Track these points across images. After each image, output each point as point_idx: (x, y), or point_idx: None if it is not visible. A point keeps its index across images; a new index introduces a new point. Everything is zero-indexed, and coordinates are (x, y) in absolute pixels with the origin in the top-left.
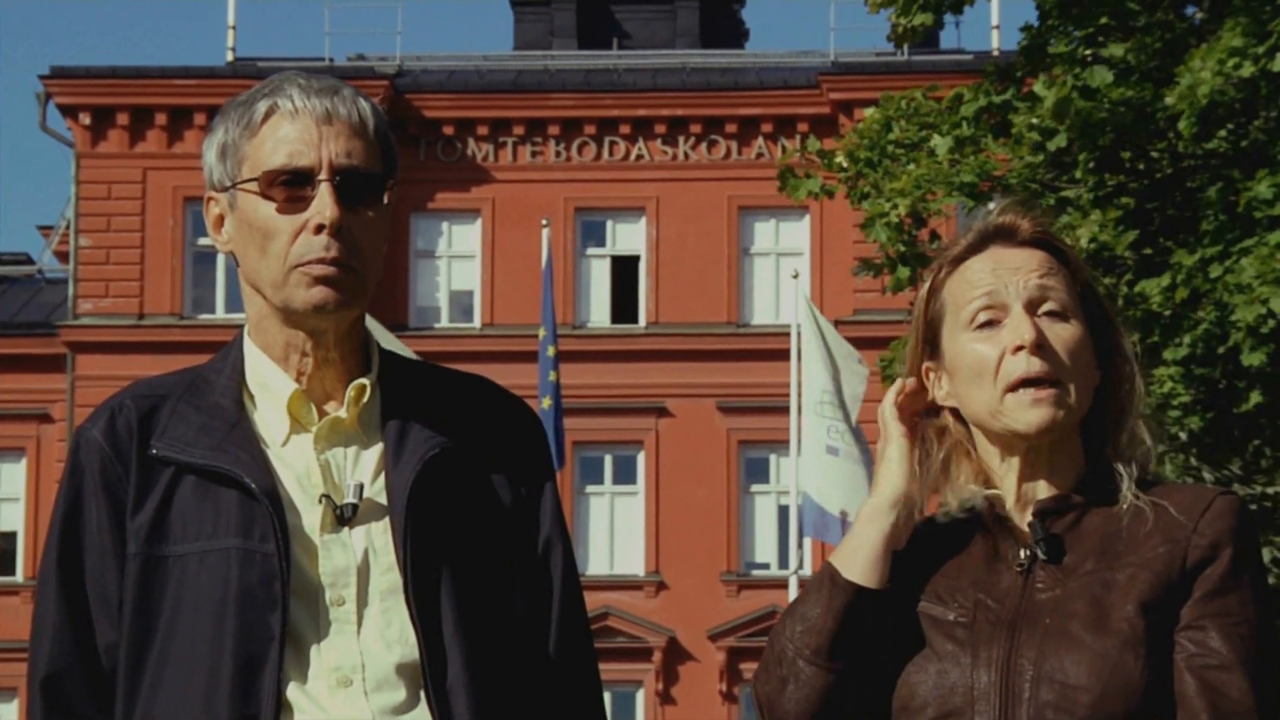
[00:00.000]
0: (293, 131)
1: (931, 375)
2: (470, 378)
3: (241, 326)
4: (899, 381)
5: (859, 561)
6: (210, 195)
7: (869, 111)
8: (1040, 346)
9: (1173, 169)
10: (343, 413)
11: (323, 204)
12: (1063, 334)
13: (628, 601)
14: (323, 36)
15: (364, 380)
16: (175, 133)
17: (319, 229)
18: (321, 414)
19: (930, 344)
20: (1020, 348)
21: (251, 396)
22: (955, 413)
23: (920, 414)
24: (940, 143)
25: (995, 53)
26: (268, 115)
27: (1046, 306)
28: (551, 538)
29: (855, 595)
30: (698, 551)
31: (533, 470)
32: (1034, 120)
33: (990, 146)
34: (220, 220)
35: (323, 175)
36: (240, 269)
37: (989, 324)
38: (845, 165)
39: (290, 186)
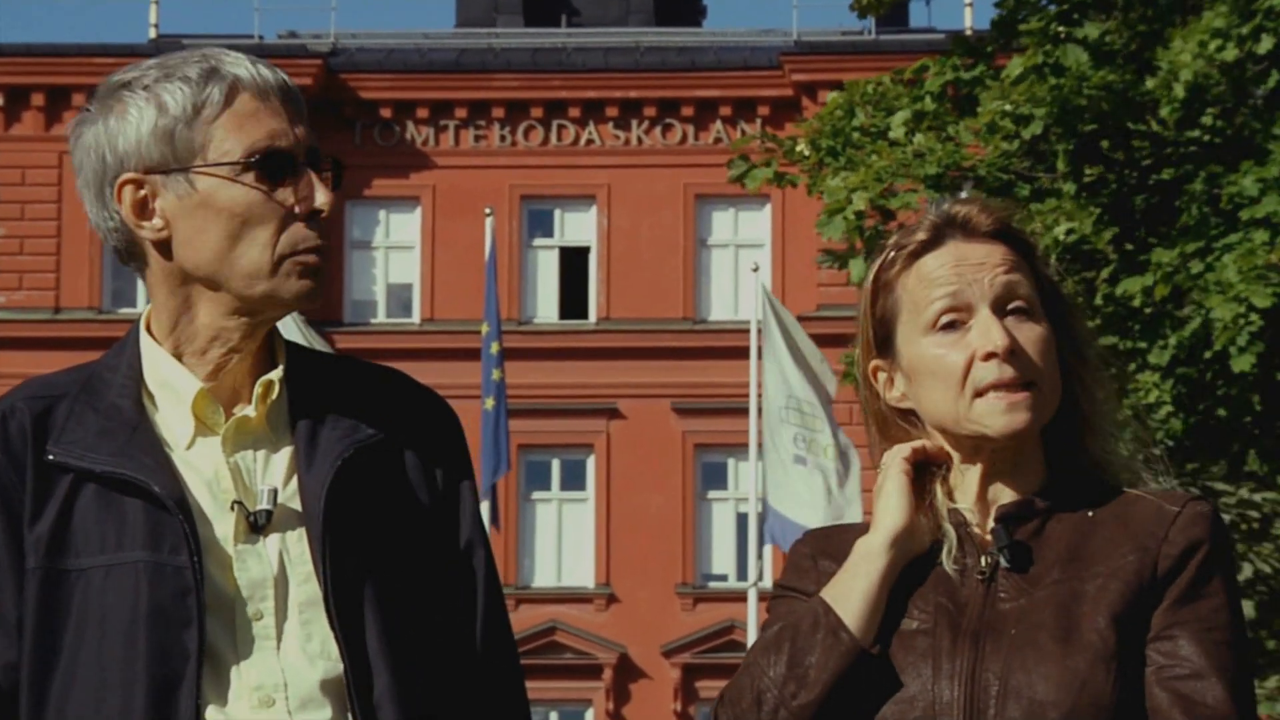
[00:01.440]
0: (266, 110)
1: (881, 375)
2: (381, 370)
3: (135, 321)
4: (919, 442)
5: (857, 610)
6: (132, 178)
7: (832, 95)
8: (1012, 353)
9: (1154, 159)
10: (251, 411)
11: (312, 189)
12: (1031, 334)
13: (576, 615)
14: (251, 12)
15: (271, 376)
16: None
17: (311, 215)
18: (227, 414)
19: (881, 342)
20: (991, 355)
21: (151, 396)
22: (907, 413)
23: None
24: (897, 117)
25: (969, 32)
26: (232, 92)
27: (1013, 305)
28: (472, 540)
29: (858, 657)
30: (651, 562)
31: (450, 468)
32: (1007, 107)
33: (959, 133)
34: (142, 204)
35: (304, 158)
36: (175, 258)
37: (952, 325)
38: (806, 154)
39: (275, 170)
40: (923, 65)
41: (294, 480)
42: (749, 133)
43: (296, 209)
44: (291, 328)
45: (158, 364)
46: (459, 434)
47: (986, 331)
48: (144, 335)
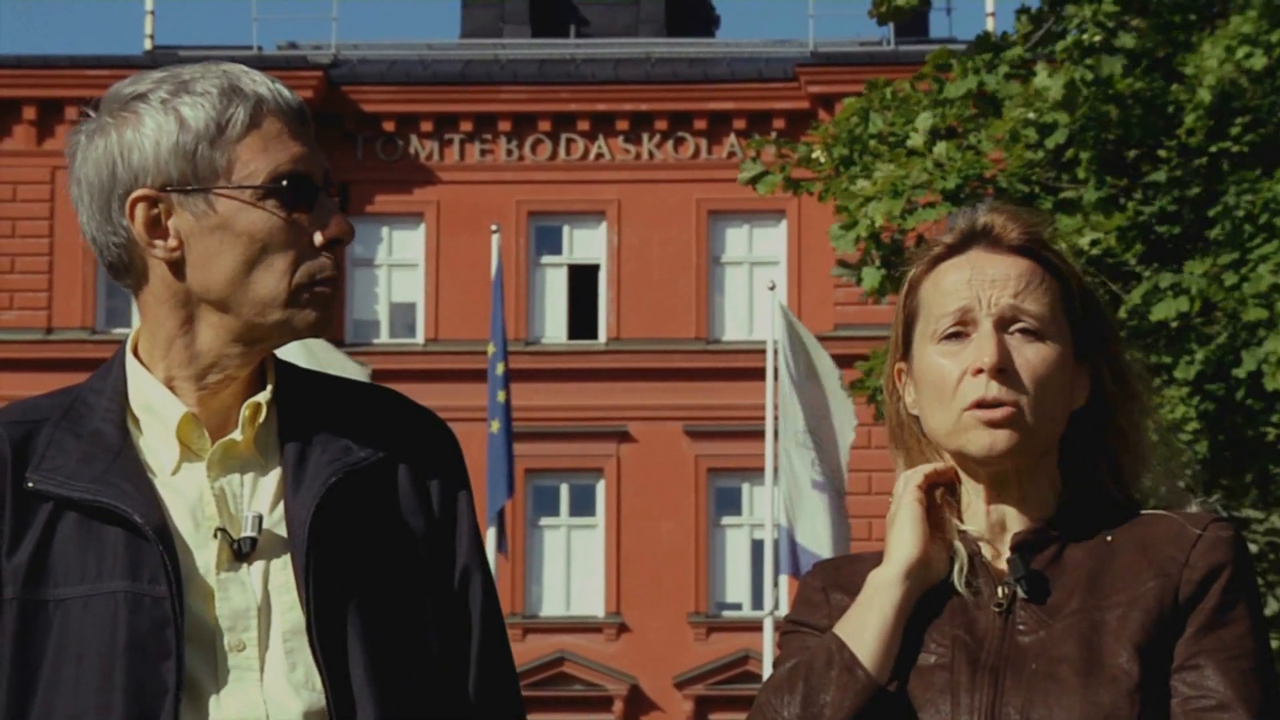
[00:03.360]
0: (289, 133)
1: (903, 377)
2: (376, 390)
3: (122, 342)
4: (929, 467)
5: (872, 646)
6: (148, 194)
7: (848, 101)
8: (1002, 371)
9: (1182, 170)
10: (238, 435)
11: (331, 215)
12: (1032, 357)
13: (585, 645)
14: (250, 23)
15: (259, 398)
16: None
17: (330, 244)
18: (214, 438)
19: (905, 342)
20: (980, 371)
21: (136, 420)
22: (919, 421)
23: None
24: (920, 120)
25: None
26: (258, 112)
27: (1019, 325)
28: (469, 566)
29: (874, 694)
30: (663, 590)
31: (447, 491)
32: (1031, 115)
33: (980, 142)
34: (155, 222)
35: (322, 184)
36: (184, 279)
37: (957, 335)
38: (821, 160)
39: (299, 196)
40: (945, 63)
41: (281, 505)
42: (759, 139)
43: (316, 237)
44: (307, 351)
45: (142, 387)
46: (457, 456)
47: (981, 346)
48: (129, 358)
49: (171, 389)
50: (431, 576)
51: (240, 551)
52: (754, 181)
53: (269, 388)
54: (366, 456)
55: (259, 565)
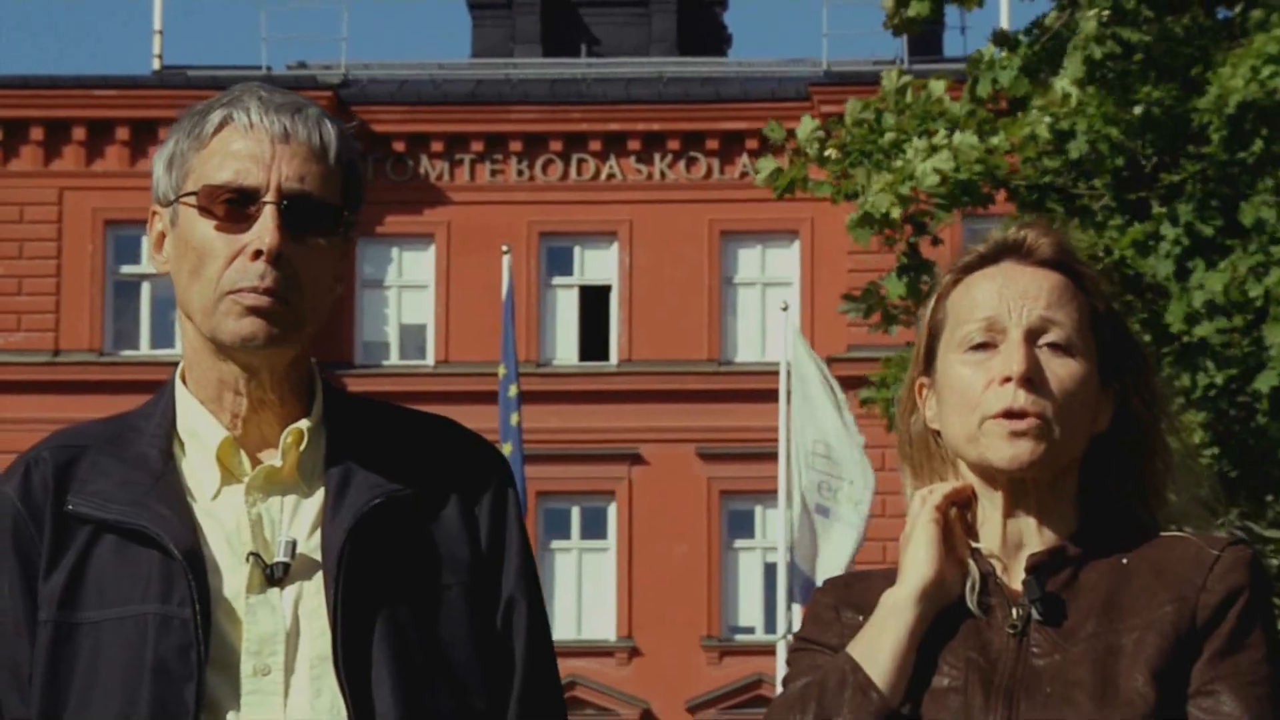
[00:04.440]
0: (244, 147)
1: (925, 391)
2: (430, 418)
3: (175, 365)
4: (946, 485)
5: (885, 668)
6: (154, 209)
7: (859, 101)
8: (1029, 381)
9: (1201, 184)
10: (278, 460)
11: (263, 229)
12: (1060, 370)
13: (597, 670)
14: (259, 42)
15: (300, 425)
16: (95, 149)
17: (256, 255)
18: (256, 462)
19: (928, 355)
20: (1008, 379)
21: (182, 444)
22: (938, 436)
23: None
24: (962, 104)
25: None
26: (220, 127)
27: (1048, 338)
28: (515, 597)
29: (888, 717)
30: (675, 614)
31: (494, 520)
32: (1048, 118)
33: (998, 145)
34: (162, 238)
35: (268, 197)
36: (176, 293)
37: (983, 346)
38: (833, 157)
39: (233, 206)
40: (974, 60)
41: (318, 531)
42: (775, 125)
43: (246, 247)
44: None
45: (188, 412)
46: (509, 486)
47: (1009, 356)
48: (178, 381)
49: (209, 411)
50: (474, 608)
51: (272, 576)
52: (771, 183)
53: (314, 413)
54: (409, 484)
55: (292, 590)
